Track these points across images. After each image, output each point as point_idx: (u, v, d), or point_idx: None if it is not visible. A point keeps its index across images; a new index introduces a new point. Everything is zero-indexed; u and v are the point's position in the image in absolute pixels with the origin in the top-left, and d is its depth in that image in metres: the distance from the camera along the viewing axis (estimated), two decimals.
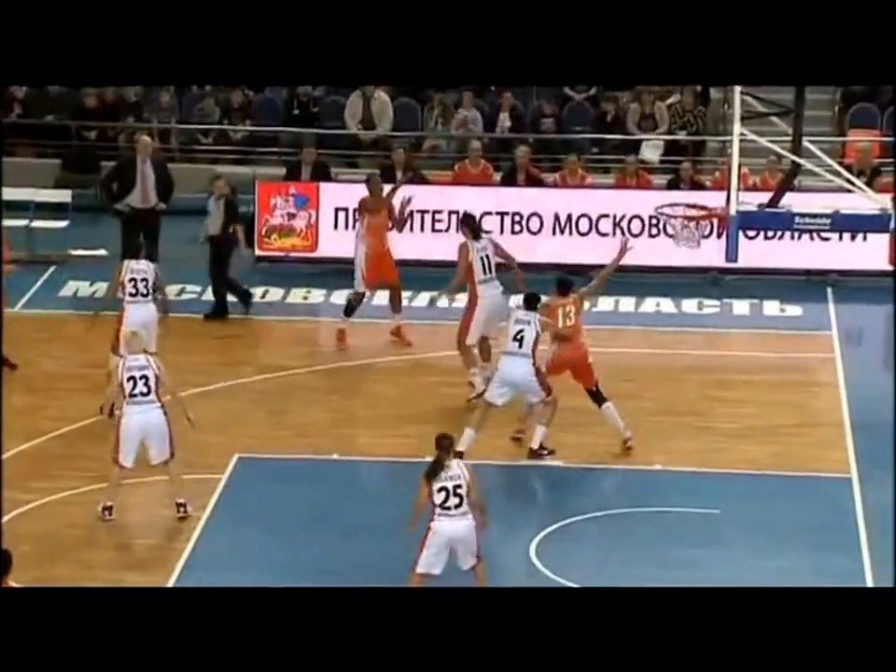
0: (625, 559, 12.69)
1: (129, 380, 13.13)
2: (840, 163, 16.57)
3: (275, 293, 19.05)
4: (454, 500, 11.37)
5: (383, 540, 13.03)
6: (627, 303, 18.79)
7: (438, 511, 11.41)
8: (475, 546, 11.51)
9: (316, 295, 19.04)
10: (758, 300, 18.87)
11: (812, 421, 15.59)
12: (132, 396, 13.13)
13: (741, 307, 18.78)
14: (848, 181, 14.71)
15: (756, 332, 18.18)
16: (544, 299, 14.63)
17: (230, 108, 22.10)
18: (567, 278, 15.07)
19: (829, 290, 19.14)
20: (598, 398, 14.52)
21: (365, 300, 18.51)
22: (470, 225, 16.14)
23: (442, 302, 16.54)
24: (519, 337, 14.19)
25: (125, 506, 13.66)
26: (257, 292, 19.05)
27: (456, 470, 11.46)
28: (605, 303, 18.71)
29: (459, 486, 11.40)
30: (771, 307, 18.74)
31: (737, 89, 14.70)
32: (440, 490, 11.38)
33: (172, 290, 18.87)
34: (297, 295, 19.00)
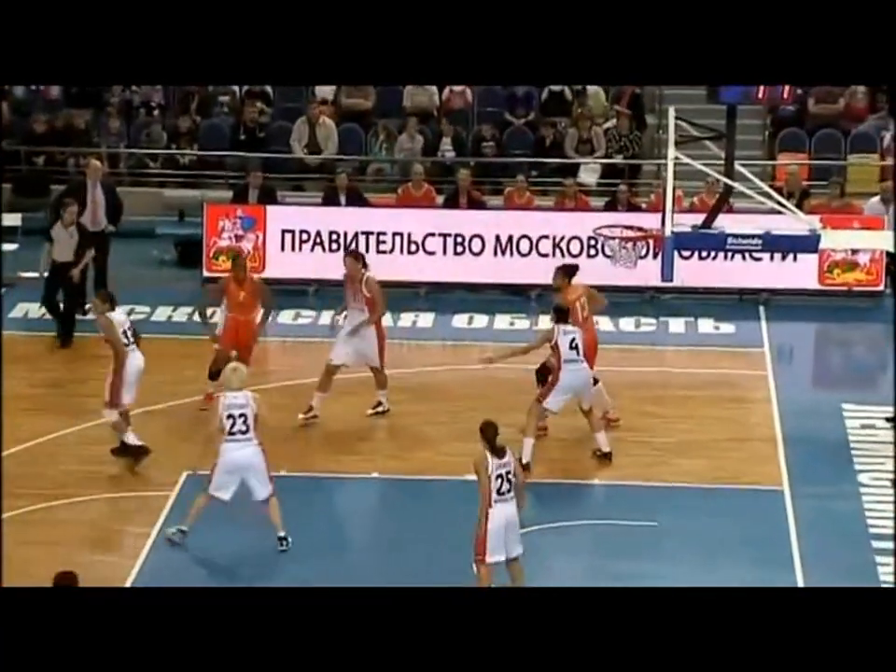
0: (565, 571, 12.71)
1: (228, 418, 12.78)
2: (771, 186, 16.71)
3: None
4: (506, 486, 11.69)
5: (330, 556, 13.02)
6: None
7: (495, 496, 11.63)
8: (518, 531, 11.80)
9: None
10: (693, 318, 18.99)
11: (746, 435, 15.69)
12: (230, 434, 12.78)
13: (677, 325, 18.88)
14: (779, 203, 14.83)
15: (691, 350, 18.28)
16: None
17: (177, 133, 22.05)
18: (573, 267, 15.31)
19: (761, 308, 19.28)
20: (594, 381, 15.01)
21: (312, 319, 18.54)
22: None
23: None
24: (574, 345, 14.43)
25: (80, 521, 13.59)
26: (206, 313, 18.99)
27: (508, 458, 11.76)
28: (544, 322, 18.75)
29: (510, 473, 11.72)
30: (705, 325, 18.85)
31: (671, 114, 14.81)
32: (496, 478, 11.64)
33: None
34: None
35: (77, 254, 17.84)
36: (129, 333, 14.70)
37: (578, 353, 14.50)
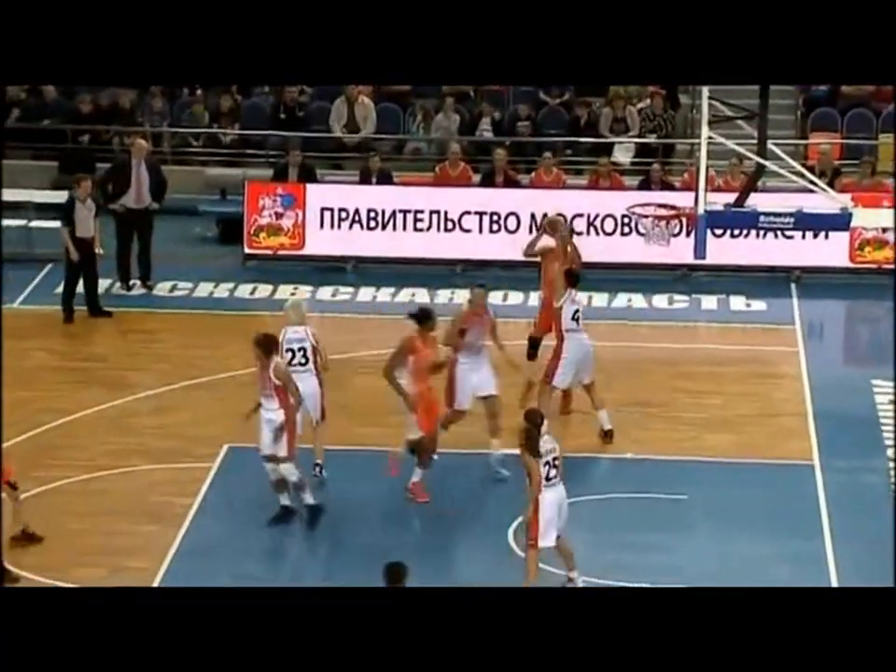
0: (597, 543, 12.68)
1: (287, 351, 13.13)
2: (803, 165, 16.60)
3: (264, 290, 19.02)
4: (553, 471, 11.70)
5: (367, 526, 13.03)
6: (600, 299, 18.78)
7: (544, 482, 11.64)
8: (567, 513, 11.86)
9: (303, 291, 19.00)
10: (725, 295, 18.89)
11: (776, 411, 15.61)
12: (290, 366, 13.06)
13: (709, 302, 18.79)
14: (811, 182, 14.71)
15: (723, 326, 18.19)
16: None
17: (219, 112, 22.05)
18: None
19: (792, 286, 19.16)
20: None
21: (350, 295, 18.58)
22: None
23: None
24: (577, 317, 14.42)
25: (117, 493, 13.64)
26: (246, 289, 19.06)
27: (552, 444, 11.77)
28: (579, 299, 18.69)
29: (557, 458, 11.75)
30: (737, 302, 18.75)
31: (705, 94, 14.70)
32: (545, 464, 11.67)
33: (164, 287, 18.93)
34: (284, 291, 18.96)
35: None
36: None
37: (579, 324, 14.47)
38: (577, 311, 14.50)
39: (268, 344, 12.77)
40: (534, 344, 15.80)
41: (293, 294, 18.91)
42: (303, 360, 13.22)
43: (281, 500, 12.90)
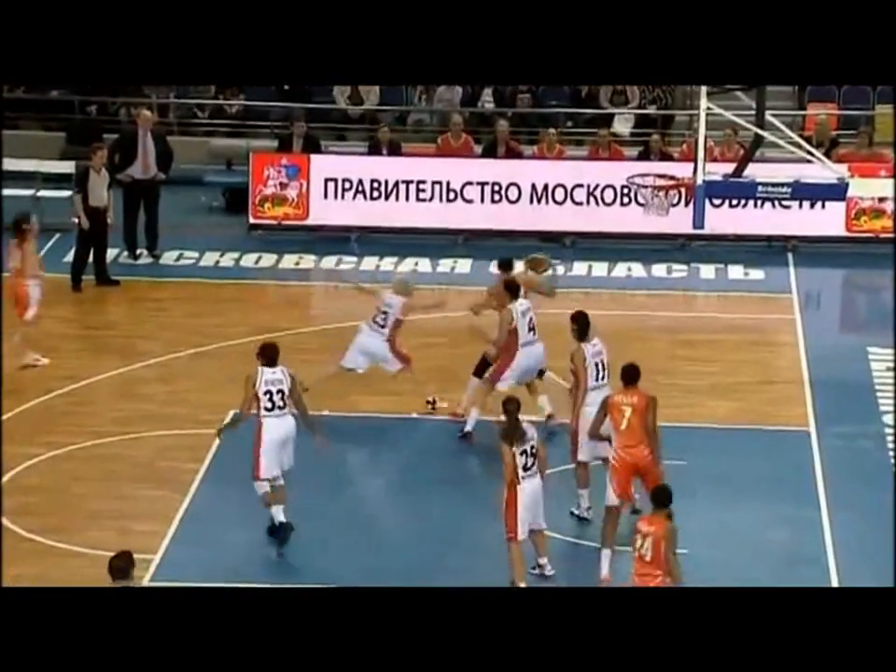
0: (597, 508, 12.67)
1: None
2: (800, 135, 16.51)
3: (268, 259, 18.99)
4: (531, 460, 11.39)
5: (373, 488, 13.05)
6: (600, 268, 18.76)
7: (521, 473, 11.33)
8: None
9: (308, 260, 18.98)
10: (723, 264, 18.85)
11: (773, 378, 15.59)
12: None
13: (707, 271, 18.75)
14: (808, 152, 14.65)
15: (721, 295, 18.16)
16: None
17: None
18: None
19: (789, 255, 19.11)
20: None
21: (354, 265, 18.56)
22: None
23: None
24: (532, 326, 13.68)
25: (125, 458, 13.65)
26: (251, 258, 19.03)
27: (531, 432, 11.45)
28: (579, 268, 18.70)
29: (534, 447, 11.42)
30: (735, 271, 18.71)
31: None
32: (521, 454, 11.35)
33: (170, 256, 18.89)
34: (289, 261, 18.94)
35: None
36: (275, 396, 12.20)
37: (535, 333, 13.63)
38: (531, 319, 13.65)
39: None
40: (485, 364, 14.36)
41: (297, 263, 18.90)
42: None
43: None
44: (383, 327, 14.42)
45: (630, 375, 11.82)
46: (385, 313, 14.39)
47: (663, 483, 10.96)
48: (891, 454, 13.83)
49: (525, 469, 11.35)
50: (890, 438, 14.14)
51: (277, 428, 12.12)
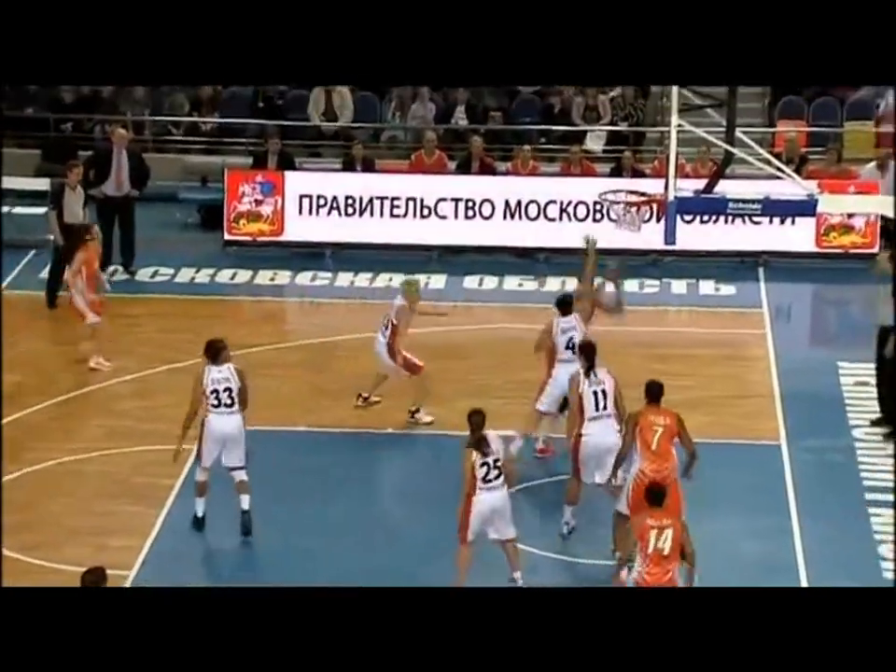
0: (576, 520, 12.74)
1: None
2: (770, 152, 16.65)
3: (244, 275, 19.04)
4: (493, 472, 11.36)
5: (349, 503, 13.08)
6: (573, 284, 18.78)
7: (479, 483, 11.36)
8: (510, 515, 11.48)
9: (283, 276, 19.04)
10: (694, 279, 18.97)
11: (745, 392, 15.70)
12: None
13: (679, 286, 18.87)
14: (778, 169, 14.78)
15: (693, 310, 18.28)
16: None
17: (199, 101, 22.03)
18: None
19: (760, 270, 19.26)
20: None
21: (328, 281, 18.62)
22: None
23: None
24: (570, 345, 13.50)
25: (102, 474, 13.66)
26: (226, 274, 19.07)
27: (496, 444, 11.45)
28: (552, 284, 18.79)
29: (498, 460, 11.40)
30: (707, 286, 18.84)
31: None
32: (482, 465, 11.35)
33: (145, 272, 18.93)
34: (264, 277, 19.00)
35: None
36: (221, 395, 12.41)
37: (574, 352, 13.35)
38: (570, 339, 13.58)
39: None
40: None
41: (272, 279, 18.94)
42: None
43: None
44: (386, 329, 14.42)
45: (655, 393, 11.84)
46: (387, 315, 14.45)
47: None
48: (862, 466, 13.97)
49: (486, 480, 11.38)
50: (861, 450, 14.27)
51: (218, 425, 12.39)
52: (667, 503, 10.98)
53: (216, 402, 12.36)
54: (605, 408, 12.43)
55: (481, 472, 11.37)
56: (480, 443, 11.41)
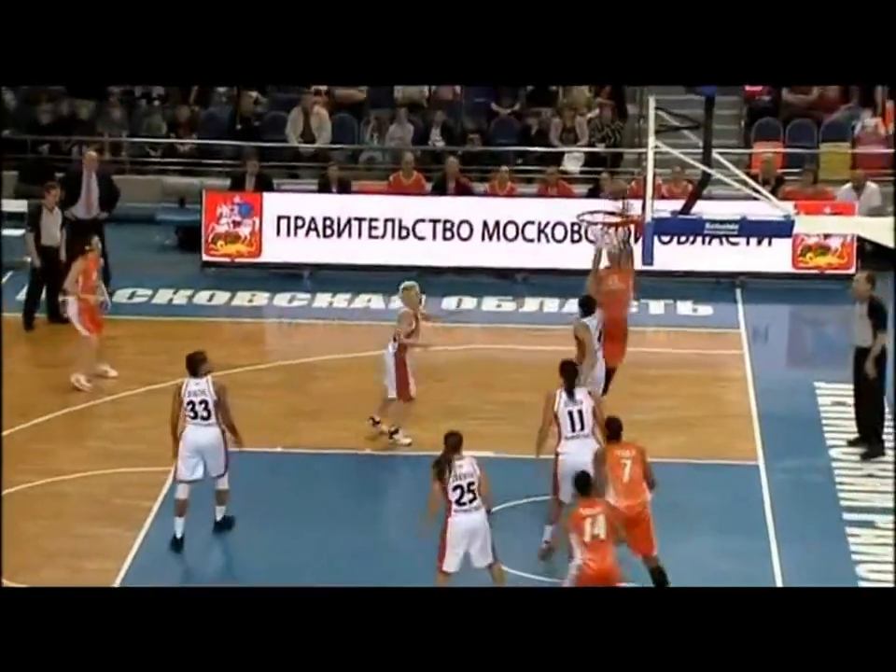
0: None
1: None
2: (747, 173, 16.72)
3: (222, 296, 19.03)
4: (468, 496, 11.31)
5: (328, 527, 13.06)
6: (552, 304, 18.90)
7: (454, 506, 11.33)
8: (490, 541, 11.41)
9: (261, 298, 19.03)
10: (672, 300, 19.02)
11: (722, 413, 15.74)
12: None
13: (657, 307, 18.92)
14: (754, 190, 14.84)
15: (671, 330, 18.33)
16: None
17: (177, 123, 22.04)
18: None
19: (737, 291, 19.32)
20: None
21: (306, 302, 18.60)
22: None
23: None
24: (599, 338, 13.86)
25: (80, 496, 13.62)
26: (204, 296, 19.06)
27: (469, 468, 11.36)
28: (530, 305, 18.83)
29: (472, 483, 11.33)
30: (684, 307, 18.90)
31: (652, 104, 14.81)
32: (455, 488, 11.29)
33: (123, 294, 18.89)
34: (242, 298, 18.99)
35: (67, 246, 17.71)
36: (197, 407, 12.54)
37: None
38: (599, 335, 13.95)
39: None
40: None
41: (250, 301, 18.93)
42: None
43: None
44: (394, 339, 14.22)
45: (615, 429, 12.01)
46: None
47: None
48: (839, 486, 14.01)
49: (459, 503, 11.34)
50: (838, 471, 14.32)
51: (194, 438, 12.53)
52: (597, 497, 11.24)
53: (192, 415, 12.52)
54: (582, 428, 12.46)
55: (454, 495, 11.34)
56: (442, 465, 11.36)
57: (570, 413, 12.44)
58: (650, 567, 11.72)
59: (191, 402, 12.49)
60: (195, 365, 12.64)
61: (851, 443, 14.76)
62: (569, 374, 12.63)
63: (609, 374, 14.42)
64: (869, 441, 14.58)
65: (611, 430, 12.01)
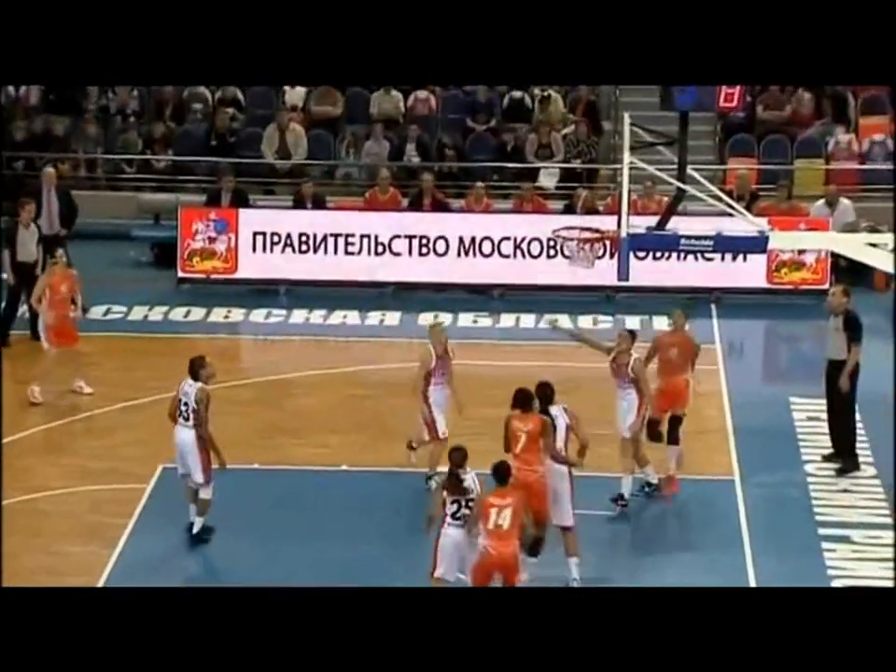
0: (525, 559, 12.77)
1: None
2: (721, 189, 16.81)
3: (197, 313, 19.03)
4: (464, 511, 11.40)
5: (304, 546, 13.06)
6: (528, 320, 18.96)
7: (448, 519, 11.43)
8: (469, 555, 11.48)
9: (237, 314, 19.04)
10: (647, 315, 19.10)
11: (698, 428, 15.76)
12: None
13: (633, 322, 18.92)
14: (729, 206, 14.93)
15: (647, 346, 18.36)
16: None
17: (152, 139, 22.05)
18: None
19: (712, 306, 19.41)
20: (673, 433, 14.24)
21: (282, 318, 18.59)
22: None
23: None
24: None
25: (56, 514, 13.60)
26: (180, 312, 19.06)
27: (471, 485, 11.46)
28: (506, 320, 18.88)
29: (471, 500, 11.40)
30: (660, 322, 18.92)
31: (627, 120, 14.90)
32: (453, 501, 11.38)
33: (98, 310, 18.87)
34: (218, 314, 18.99)
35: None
36: (181, 406, 13.01)
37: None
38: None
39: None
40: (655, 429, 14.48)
41: (226, 317, 18.94)
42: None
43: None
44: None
45: (520, 400, 12.35)
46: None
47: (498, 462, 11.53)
48: (814, 500, 14.08)
49: (454, 516, 11.46)
50: (813, 486, 14.39)
51: (176, 434, 13.11)
52: (513, 483, 11.47)
53: (179, 413, 13.11)
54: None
55: (451, 508, 11.46)
56: (451, 481, 11.46)
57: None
58: (532, 534, 11.70)
59: (181, 401, 13.10)
60: (194, 369, 13.14)
61: (826, 458, 14.85)
62: (545, 394, 12.70)
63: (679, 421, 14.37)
64: (843, 456, 14.66)
65: (516, 400, 12.34)
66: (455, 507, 11.44)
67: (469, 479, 11.55)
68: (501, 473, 11.47)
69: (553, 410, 12.69)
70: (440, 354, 14.02)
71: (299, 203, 20.20)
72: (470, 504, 11.46)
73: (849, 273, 18.27)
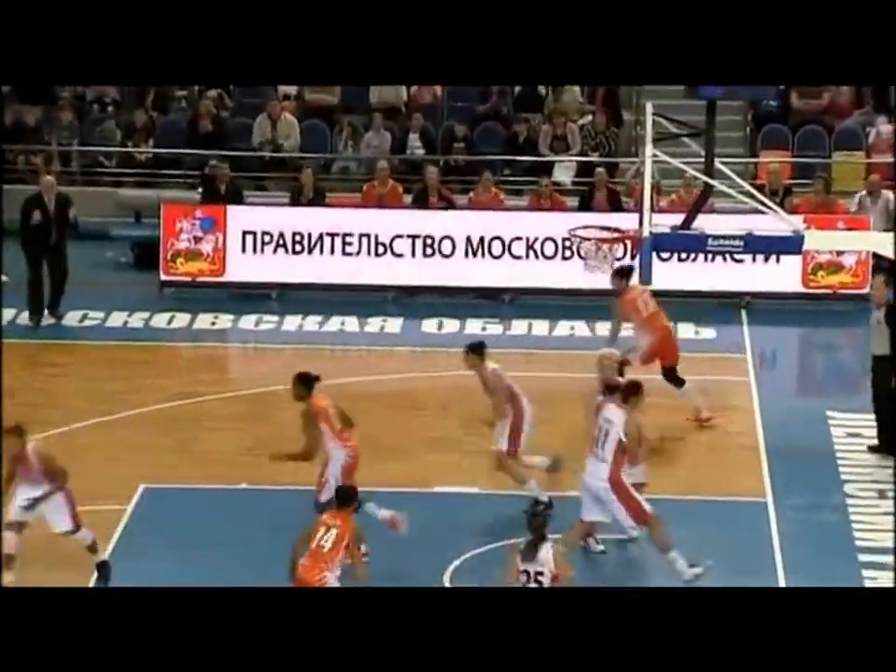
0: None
1: None
2: (752, 184, 16.82)
3: (182, 318, 19.04)
4: (532, 585, 10.86)
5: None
6: (541, 327, 18.94)
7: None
8: None
9: (224, 320, 19.04)
10: (672, 322, 19.05)
11: (727, 445, 15.78)
12: None
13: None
14: (761, 202, 14.92)
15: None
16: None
17: (132, 129, 22.06)
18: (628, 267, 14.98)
19: (743, 312, 19.39)
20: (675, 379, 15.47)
21: (274, 325, 18.59)
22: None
23: None
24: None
25: (36, 535, 13.58)
26: (162, 318, 19.05)
27: (546, 555, 10.94)
28: (518, 327, 18.86)
29: (541, 574, 10.91)
30: (685, 329, 18.93)
31: (649, 110, 14.90)
32: (522, 572, 10.91)
33: (74, 316, 18.89)
34: (204, 320, 19.00)
35: None
36: None
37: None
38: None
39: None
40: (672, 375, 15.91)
41: (213, 323, 18.93)
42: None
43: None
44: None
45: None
46: None
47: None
48: (855, 525, 14.04)
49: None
50: (853, 508, 14.35)
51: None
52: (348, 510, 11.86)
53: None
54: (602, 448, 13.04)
55: (521, 578, 10.88)
56: (531, 549, 10.97)
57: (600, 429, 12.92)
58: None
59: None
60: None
61: (871, 448, 14.99)
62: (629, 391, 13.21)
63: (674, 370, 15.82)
64: (890, 449, 14.68)
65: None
66: (524, 578, 10.88)
67: (545, 550, 10.99)
68: (342, 496, 11.96)
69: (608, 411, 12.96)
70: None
71: (297, 196, 20.15)
72: (540, 578, 10.87)
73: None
